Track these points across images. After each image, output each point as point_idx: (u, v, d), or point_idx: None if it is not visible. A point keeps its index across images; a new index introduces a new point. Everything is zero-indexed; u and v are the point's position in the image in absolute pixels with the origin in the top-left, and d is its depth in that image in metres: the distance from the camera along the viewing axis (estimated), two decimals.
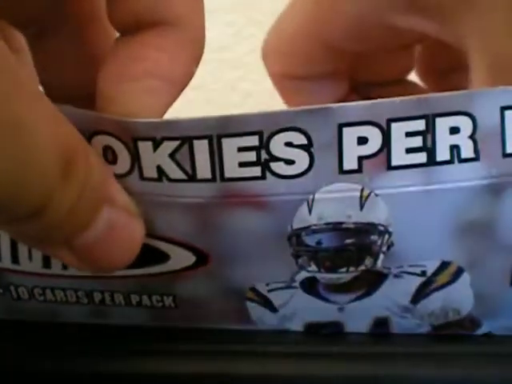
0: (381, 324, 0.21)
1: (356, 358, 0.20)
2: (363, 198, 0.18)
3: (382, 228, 0.18)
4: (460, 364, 0.20)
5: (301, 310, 0.21)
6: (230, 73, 0.29)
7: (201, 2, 0.18)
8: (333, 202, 0.18)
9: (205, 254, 0.19)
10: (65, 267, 0.20)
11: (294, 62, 0.26)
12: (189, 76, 0.18)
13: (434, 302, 0.20)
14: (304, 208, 0.18)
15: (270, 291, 0.20)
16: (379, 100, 0.17)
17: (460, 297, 0.20)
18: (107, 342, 0.21)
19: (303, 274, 0.20)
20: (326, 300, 0.20)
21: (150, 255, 0.19)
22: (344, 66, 0.26)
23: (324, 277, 0.20)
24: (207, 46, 0.19)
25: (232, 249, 0.19)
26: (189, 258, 0.20)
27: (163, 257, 0.20)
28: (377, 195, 0.18)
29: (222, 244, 0.19)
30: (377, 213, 0.18)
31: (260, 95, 0.28)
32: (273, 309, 0.21)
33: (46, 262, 0.20)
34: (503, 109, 0.17)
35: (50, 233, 0.16)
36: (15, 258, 0.21)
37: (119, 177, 0.18)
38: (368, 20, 0.23)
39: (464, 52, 0.22)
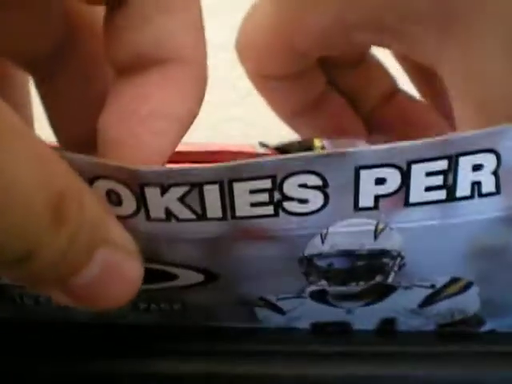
0: (388, 323, 0.21)
1: (361, 357, 0.21)
2: (378, 231, 0.18)
3: (395, 253, 0.18)
4: (463, 364, 0.20)
5: (309, 313, 0.21)
6: (230, 71, 0.27)
7: (203, 37, 0.17)
8: (347, 235, 0.18)
9: (214, 275, 0.19)
10: None
11: (267, 63, 0.25)
12: (194, 114, 0.17)
13: (441, 307, 0.20)
14: (317, 239, 0.18)
15: (279, 300, 0.20)
16: (400, 143, 0.16)
17: (467, 303, 0.20)
18: (116, 342, 0.22)
19: (313, 288, 0.20)
20: (335, 306, 0.20)
21: (157, 275, 0.19)
22: (314, 63, 0.25)
23: (334, 289, 0.20)
24: (207, 44, 0.18)
25: (242, 270, 0.19)
26: (197, 277, 0.19)
27: (171, 276, 0.19)
28: (392, 229, 0.17)
29: (231, 267, 0.19)
30: (391, 242, 0.18)
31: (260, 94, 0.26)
32: (281, 312, 0.21)
33: None
34: None
35: (41, 277, 0.16)
36: None
37: (124, 218, 0.17)
38: (334, 34, 0.22)
39: (439, 75, 0.21)
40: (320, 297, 0.20)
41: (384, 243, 0.18)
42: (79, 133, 0.19)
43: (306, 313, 0.21)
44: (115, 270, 0.17)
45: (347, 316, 0.21)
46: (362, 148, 0.16)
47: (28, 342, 0.22)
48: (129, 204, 0.17)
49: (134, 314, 0.21)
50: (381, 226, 0.17)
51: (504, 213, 0.17)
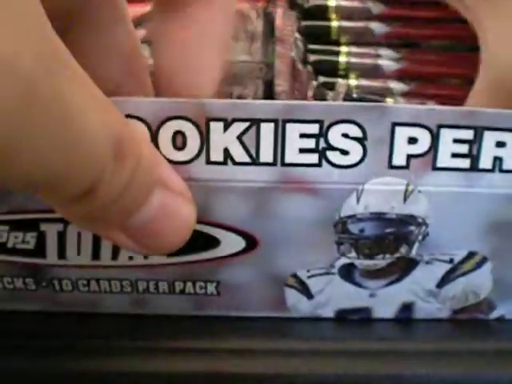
0: (406, 309, 0.22)
1: (379, 355, 0.22)
2: (407, 193, 0.20)
3: (420, 220, 0.20)
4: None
5: (335, 296, 0.22)
6: None
7: None
8: (380, 194, 0.20)
9: (255, 240, 0.21)
10: (114, 258, 0.21)
11: None
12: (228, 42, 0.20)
13: (457, 286, 0.22)
14: (353, 197, 0.20)
15: (309, 277, 0.22)
16: (432, 106, 0.19)
17: (481, 282, 0.22)
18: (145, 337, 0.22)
19: (342, 261, 0.21)
20: (360, 285, 0.22)
21: (200, 241, 0.21)
22: None
23: (361, 263, 0.21)
24: None
25: (281, 234, 0.21)
26: (239, 244, 0.21)
27: (214, 242, 0.21)
28: (420, 191, 0.20)
29: (272, 229, 0.21)
30: (418, 207, 0.20)
31: None
32: (309, 295, 0.22)
33: (96, 254, 0.21)
34: None
35: (103, 213, 0.17)
36: (62, 254, 0.21)
37: (184, 163, 0.19)
38: None
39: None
40: (348, 273, 0.22)
41: (412, 207, 0.20)
42: (103, 85, 0.21)
43: (332, 296, 0.22)
44: (170, 211, 0.18)
45: (370, 300, 0.22)
46: (399, 105, 0.19)
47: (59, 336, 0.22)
48: (192, 145, 0.19)
49: (167, 300, 0.22)
50: (410, 188, 0.20)
51: None
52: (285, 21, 0.23)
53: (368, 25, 0.22)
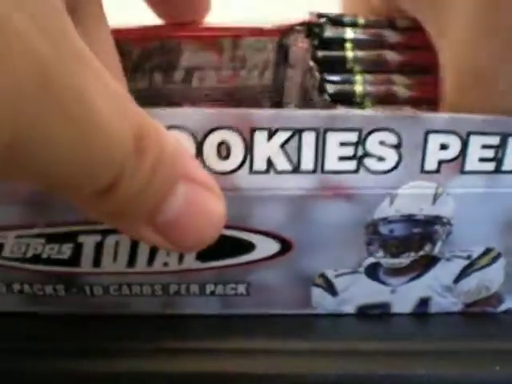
0: (423, 303, 0.24)
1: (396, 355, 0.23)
2: (437, 195, 0.21)
3: (445, 220, 0.22)
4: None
5: (358, 293, 0.23)
6: None
7: None
8: (411, 197, 0.21)
9: (289, 244, 0.22)
10: (150, 264, 0.22)
11: None
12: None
13: (472, 281, 0.23)
14: (386, 202, 0.21)
15: (337, 276, 0.23)
16: (462, 115, 0.20)
17: (493, 277, 0.23)
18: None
19: (370, 260, 0.22)
20: (383, 283, 0.23)
21: (236, 246, 0.21)
22: None
23: (387, 261, 0.22)
24: None
25: (315, 238, 0.21)
26: (273, 247, 0.22)
27: (249, 247, 0.22)
28: (448, 194, 0.21)
29: (307, 234, 0.21)
30: (445, 208, 0.21)
31: None
32: (334, 293, 0.23)
33: (131, 261, 0.22)
34: None
35: (127, 209, 0.16)
36: (97, 263, 0.22)
37: (229, 173, 0.20)
38: None
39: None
40: (373, 271, 0.23)
41: (439, 209, 0.21)
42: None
43: (356, 293, 0.23)
44: (198, 206, 0.18)
45: (390, 296, 0.23)
46: (432, 114, 0.20)
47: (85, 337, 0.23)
48: (236, 155, 0.20)
49: (197, 301, 0.23)
50: (440, 191, 0.21)
51: None
52: (300, 49, 0.23)
53: (382, 53, 0.23)
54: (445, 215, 0.21)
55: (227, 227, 0.21)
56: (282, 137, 0.20)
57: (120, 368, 0.22)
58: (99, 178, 0.15)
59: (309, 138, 0.20)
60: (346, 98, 0.22)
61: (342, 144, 0.20)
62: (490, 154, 0.21)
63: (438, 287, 0.23)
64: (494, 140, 0.20)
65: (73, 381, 0.22)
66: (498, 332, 0.24)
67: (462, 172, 0.21)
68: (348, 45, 0.23)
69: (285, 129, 0.20)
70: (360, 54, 0.23)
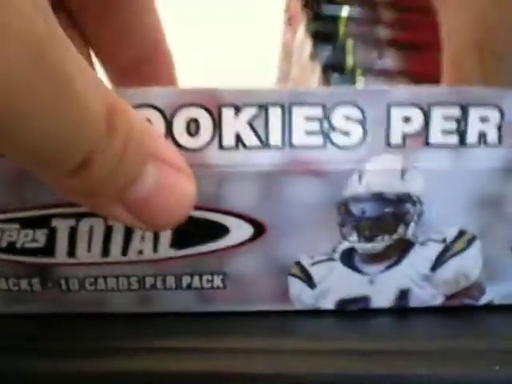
0: (403, 296, 0.24)
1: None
2: (404, 170, 0.21)
3: (415, 198, 0.22)
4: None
5: (336, 284, 0.23)
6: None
7: None
8: (379, 173, 0.21)
9: (262, 226, 0.22)
10: (124, 253, 0.22)
11: None
12: None
13: (450, 268, 0.23)
14: (355, 177, 0.21)
15: (312, 265, 0.23)
16: (423, 87, 0.21)
17: (471, 262, 0.23)
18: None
19: (344, 245, 0.22)
20: (360, 271, 0.23)
21: (210, 230, 0.22)
22: None
23: (362, 247, 0.22)
24: None
25: (287, 219, 0.22)
26: (247, 231, 0.22)
27: (223, 230, 0.22)
28: (415, 168, 0.21)
29: (279, 214, 0.22)
30: (414, 185, 0.22)
31: None
32: (312, 285, 0.23)
33: (106, 250, 0.22)
34: None
35: (99, 187, 0.17)
36: (72, 253, 0.22)
37: (198, 150, 0.20)
38: None
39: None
40: (348, 258, 0.23)
41: (408, 185, 0.22)
42: (125, 61, 0.22)
43: (333, 285, 0.23)
44: (168, 184, 0.18)
45: (369, 288, 0.23)
46: (393, 87, 0.21)
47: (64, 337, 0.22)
48: (206, 131, 0.20)
49: (176, 293, 0.23)
50: (407, 165, 0.21)
51: (504, 164, 0.22)
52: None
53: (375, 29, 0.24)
54: (414, 193, 0.22)
55: (200, 208, 0.21)
56: (248, 113, 0.20)
57: (90, 368, 0.21)
58: (76, 153, 0.16)
59: (275, 113, 0.20)
60: (337, 67, 0.23)
61: (308, 118, 0.21)
62: (453, 126, 0.21)
63: (416, 276, 0.23)
64: (455, 111, 0.21)
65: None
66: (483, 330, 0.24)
67: (427, 145, 0.21)
68: (342, 20, 0.24)
69: (251, 105, 0.20)
70: (353, 28, 0.24)
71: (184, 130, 0.20)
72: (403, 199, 0.22)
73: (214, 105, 0.20)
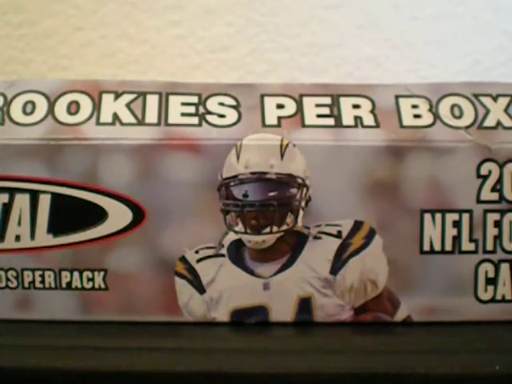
0: (305, 306, 0.21)
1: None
2: (283, 147, 0.21)
3: (300, 181, 0.21)
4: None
5: (227, 289, 0.21)
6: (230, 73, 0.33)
7: None
8: (257, 149, 0.21)
9: (142, 210, 0.21)
10: (1, 237, 0.21)
11: None
12: None
13: (353, 271, 0.21)
14: (232, 155, 0.21)
15: (198, 261, 0.21)
16: (292, 83, 0.23)
17: (375, 264, 0.21)
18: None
19: (231, 237, 0.21)
20: (252, 273, 0.21)
21: (88, 213, 0.21)
22: None
23: (250, 240, 0.21)
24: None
25: (167, 202, 0.21)
26: (126, 216, 0.21)
27: (102, 214, 0.21)
28: (295, 145, 0.21)
29: (158, 196, 0.21)
30: (295, 163, 0.21)
31: None
32: (201, 288, 0.21)
33: None
34: (397, 97, 0.22)
35: None
36: None
37: (77, 125, 0.21)
38: None
39: None
40: (237, 254, 0.21)
41: (290, 165, 0.21)
42: None
43: (225, 289, 0.21)
44: None
45: (265, 294, 0.21)
46: (265, 83, 0.23)
47: None
48: (85, 110, 0.22)
49: (55, 295, 0.22)
50: (285, 142, 0.21)
51: (386, 143, 0.22)
52: None
53: None
54: (297, 173, 0.21)
55: (77, 187, 0.21)
56: (127, 98, 0.22)
57: None
58: None
59: (152, 99, 0.22)
60: None
61: (184, 104, 0.22)
62: (326, 111, 0.22)
63: (316, 281, 0.21)
64: (326, 100, 0.22)
65: None
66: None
67: (304, 125, 0.22)
68: None
69: (130, 92, 0.22)
70: None
71: (65, 109, 0.22)
72: (287, 182, 0.21)
73: (96, 91, 0.22)
